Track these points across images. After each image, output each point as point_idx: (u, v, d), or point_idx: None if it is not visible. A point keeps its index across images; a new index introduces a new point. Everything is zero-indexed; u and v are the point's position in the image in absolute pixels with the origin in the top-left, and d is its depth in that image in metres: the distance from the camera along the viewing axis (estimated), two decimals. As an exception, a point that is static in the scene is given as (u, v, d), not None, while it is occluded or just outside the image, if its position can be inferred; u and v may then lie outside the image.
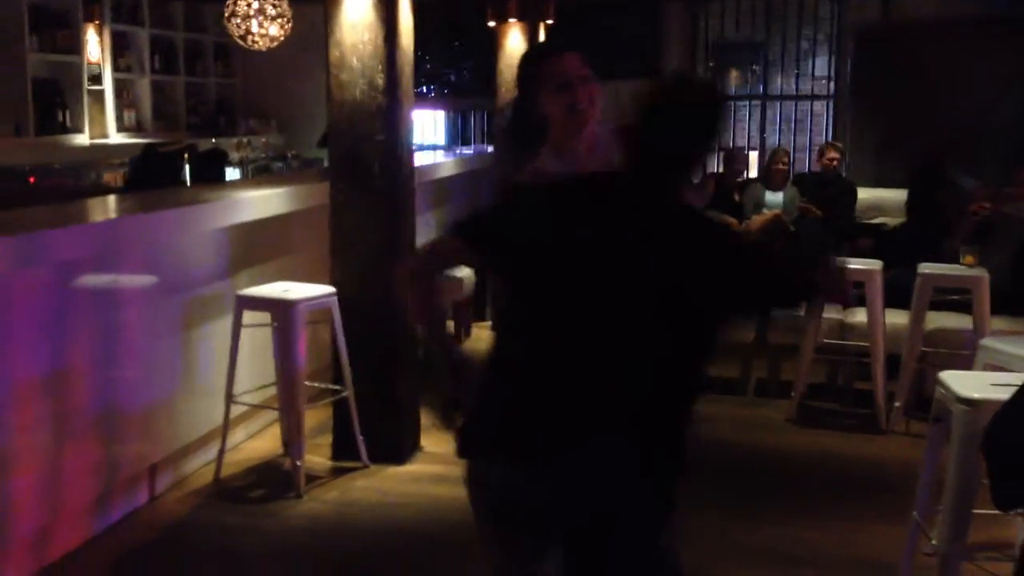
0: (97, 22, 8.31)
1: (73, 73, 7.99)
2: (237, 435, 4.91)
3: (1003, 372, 3.75)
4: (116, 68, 8.58)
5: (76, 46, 7.96)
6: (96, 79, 8.29)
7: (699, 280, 2.05)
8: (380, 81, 4.48)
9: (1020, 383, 1.99)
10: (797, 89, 10.49)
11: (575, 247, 2.08)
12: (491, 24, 7.12)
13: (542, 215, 2.15)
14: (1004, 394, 2.10)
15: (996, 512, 2.50)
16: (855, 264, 5.54)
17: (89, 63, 8.13)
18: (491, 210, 2.40)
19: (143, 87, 9.05)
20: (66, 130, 7.91)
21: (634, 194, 2.11)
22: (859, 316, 5.56)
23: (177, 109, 9.60)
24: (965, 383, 3.05)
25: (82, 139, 8.02)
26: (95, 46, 8.23)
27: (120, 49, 8.68)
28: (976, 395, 2.92)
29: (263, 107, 10.31)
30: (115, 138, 8.48)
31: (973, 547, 3.04)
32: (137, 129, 8.88)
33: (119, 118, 8.64)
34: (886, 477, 4.71)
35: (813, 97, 10.39)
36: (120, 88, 8.71)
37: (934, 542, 3.11)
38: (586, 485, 2.04)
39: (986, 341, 4.25)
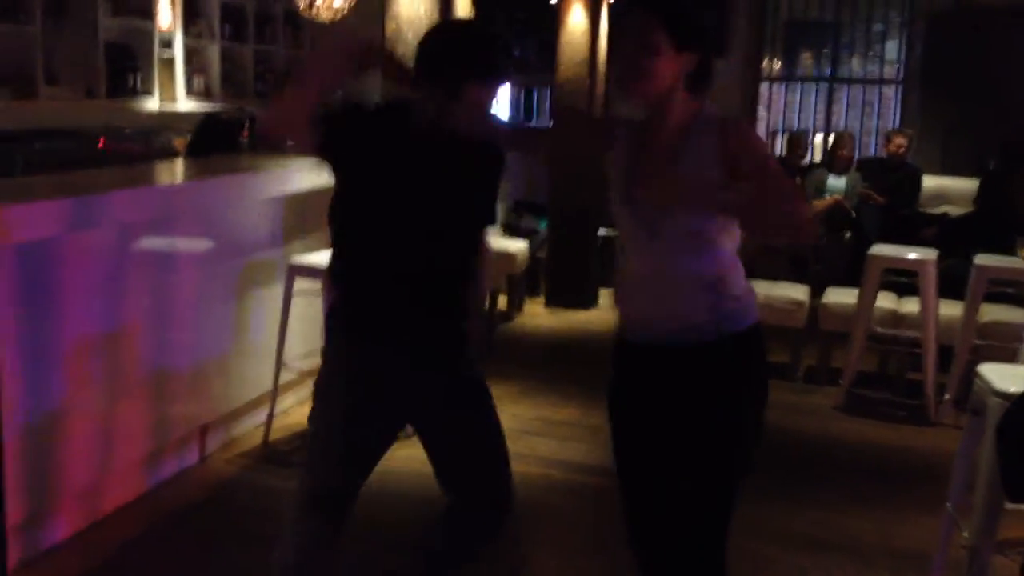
0: (170, -12, 8.44)
1: (145, 38, 8.13)
2: (287, 400, 5.02)
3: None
4: (187, 34, 8.72)
5: (148, 11, 8.09)
6: (167, 44, 8.43)
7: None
8: (436, 56, 4.51)
9: None
10: (866, 73, 10.32)
11: (392, 167, 2.57)
12: (553, 1, 7.11)
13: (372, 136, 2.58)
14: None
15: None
16: (912, 254, 5.47)
17: (160, 30, 8.27)
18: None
19: (213, 53, 9.17)
20: (136, 94, 8.05)
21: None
22: (912, 306, 5.50)
23: (245, 76, 9.72)
24: (1003, 376, 3.03)
25: (152, 103, 8.17)
26: (167, 12, 8.37)
27: (191, 16, 8.81)
28: (1013, 388, 2.90)
29: (330, 76, 10.38)
30: (184, 103, 8.62)
31: (1006, 542, 3.02)
32: (206, 95, 9.02)
33: (188, 83, 8.78)
34: (932, 469, 4.67)
35: (882, 81, 10.22)
36: (190, 54, 8.84)
37: (965, 534, 3.10)
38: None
39: (1034, 336, 4.19)
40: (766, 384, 2.44)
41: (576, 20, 7.06)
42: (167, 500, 4.10)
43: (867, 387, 5.73)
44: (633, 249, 2.44)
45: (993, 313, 5.39)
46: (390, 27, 4.55)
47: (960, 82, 8.93)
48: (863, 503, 4.28)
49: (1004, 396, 2.91)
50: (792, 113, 10.73)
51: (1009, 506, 2.95)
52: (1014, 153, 7.45)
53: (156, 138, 7.85)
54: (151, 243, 4.08)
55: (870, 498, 4.35)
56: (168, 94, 8.45)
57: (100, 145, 7.20)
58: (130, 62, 8.03)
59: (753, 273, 6.45)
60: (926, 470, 4.69)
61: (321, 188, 4.92)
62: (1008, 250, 5.49)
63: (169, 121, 8.19)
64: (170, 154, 6.92)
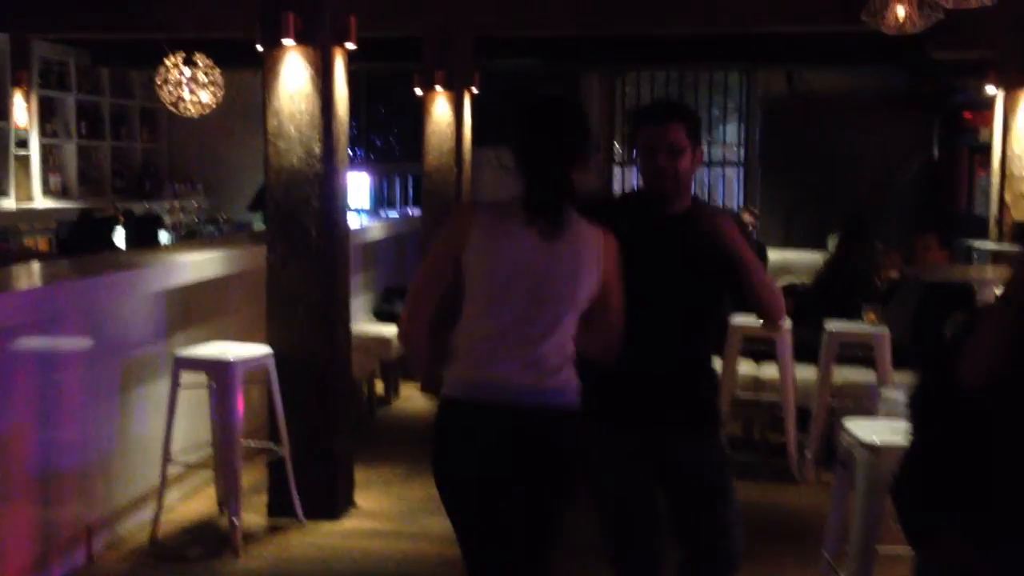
0: (24, 87, 8.37)
1: (-1, 137, 8.04)
2: (173, 494, 4.97)
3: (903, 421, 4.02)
4: (43, 133, 8.64)
5: (3, 111, 8.01)
6: (23, 144, 8.33)
7: None
8: (317, 149, 4.67)
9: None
10: (709, 156, 10.93)
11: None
12: (418, 92, 7.35)
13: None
14: (904, 440, 2.33)
15: (900, 550, 2.72)
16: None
17: (16, 128, 8.17)
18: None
19: (69, 152, 9.10)
20: (-9, 194, 7.93)
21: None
22: (771, 371, 5.84)
23: (102, 173, 9.66)
24: (868, 430, 3.31)
25: (7, 203, 8.04)
26: (22, 111, 8.29)
27: (47, 114, 8.74)
28: (878, 441, 3.18)
29: (188, 171, 10.40)
30: (40, 202, 8.51)
31: (879, 583, 3.26)
32: (62, 193, 8.92)
33: (45, 182, 8.67)
34: (800, 523, 4.96)
35: (725, 163, 10.83)
36: (46, 153, 8.75)
37: (844, 579, 3.35)
38: None
39: (887, 392, 4.55)
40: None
41: (441, 111, 7.32)
42: (56, 604, 4.01)
43: (734, 449, 6.01)
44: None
45: (845, 375, 5.78)
46: (271, 123, 4.67)
47: (797, 162, 9.59)
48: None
49: (871, 448, 3.19)
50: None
51: (882, 551, 3.20)
52: (857, 227, 8.01)
53: (10, 238, 7.71)
54: (33, 343, 4.06)
55: (747, 553, 4.56)
56: (24, 193, 8.34)
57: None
58: (-16, 162, 7.91)
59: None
60: (795, 524, 4.97)
61: (203, 280, 5.00)
62: (854, 316, 5.91)
63: (25, 220, 8.05)
64: (34, 255, 6.81)
